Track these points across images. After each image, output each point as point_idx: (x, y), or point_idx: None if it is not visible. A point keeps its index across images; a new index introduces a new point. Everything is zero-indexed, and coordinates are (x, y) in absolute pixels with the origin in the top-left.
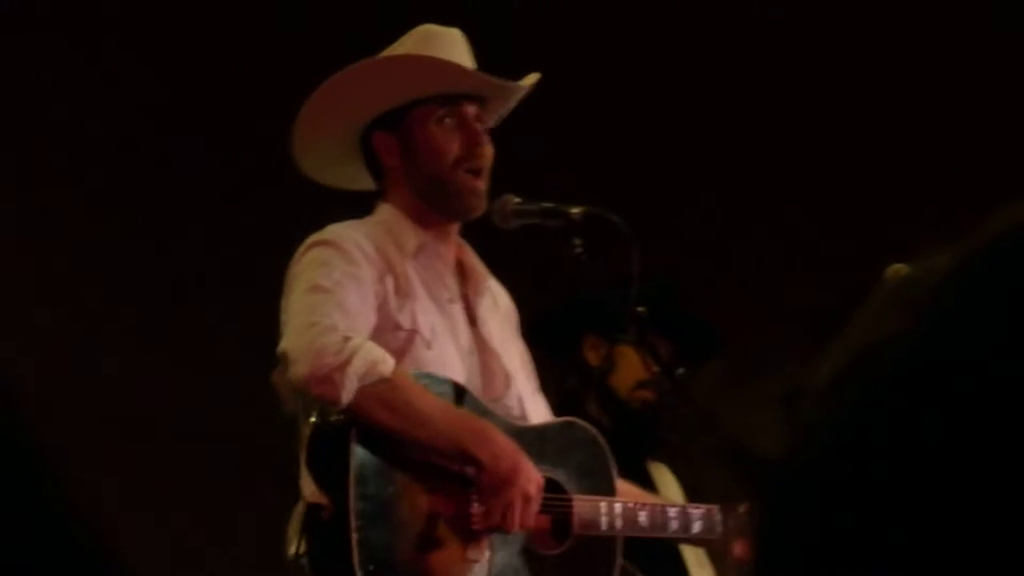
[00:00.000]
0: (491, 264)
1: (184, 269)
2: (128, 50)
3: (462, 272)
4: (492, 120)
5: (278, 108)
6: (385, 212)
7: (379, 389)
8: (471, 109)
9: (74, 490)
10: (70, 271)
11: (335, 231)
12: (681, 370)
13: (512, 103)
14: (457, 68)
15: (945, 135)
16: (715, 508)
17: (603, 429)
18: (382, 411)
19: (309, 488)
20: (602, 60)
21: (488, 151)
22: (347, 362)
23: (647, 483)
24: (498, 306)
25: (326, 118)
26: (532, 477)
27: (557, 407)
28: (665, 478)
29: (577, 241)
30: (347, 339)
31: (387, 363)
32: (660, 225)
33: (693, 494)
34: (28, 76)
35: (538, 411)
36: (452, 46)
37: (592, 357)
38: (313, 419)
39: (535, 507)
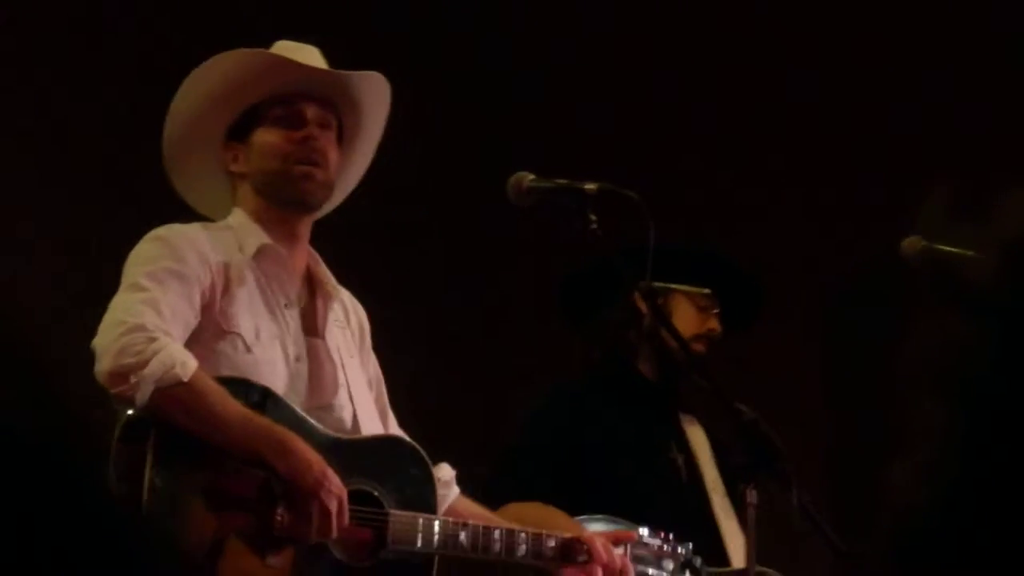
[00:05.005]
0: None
1: None
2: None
3: (311, 282)
4: (363, 121)
5: None
6: (234, 216)
7: (176, 392)
8: (310, 108)
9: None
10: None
11: (171, 227)
12: (719, 332)
13: (377, 104)
14: (270, 57)
15: (960, 110)
16: (544, 534)
17: (646, 383)
18: (179, 414)
19: (112, 479)
20: (615, 34)
21: (319, 144)
22: (144, 363)
23: (680, 435)
24: (349, 321)
25: (191, 149)
26: (333, 490)
27: (606, 359)
28: (696, 432)
29: (592, 217)
30: (152, 339)
31: (187, 366)
32: (673, 200)
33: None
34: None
35: (374, 426)
36: (305, 54)
37: (645, 308)
38: (128, 412)
39: (336, 520)
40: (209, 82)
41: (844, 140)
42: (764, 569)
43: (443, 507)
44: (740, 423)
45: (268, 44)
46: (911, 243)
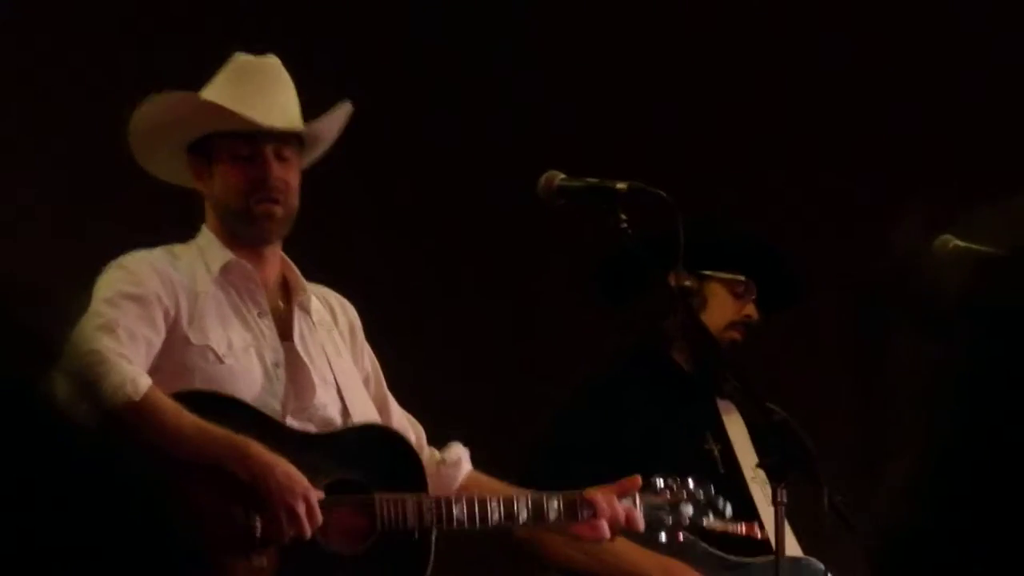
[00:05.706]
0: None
1: None
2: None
3: (286, 288)
4: (318, 144)
5: None
6: (202, 235)
7: (128, 410)
8: (269, 144)
9: None
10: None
11: (131, 254)
12: (756, 318)
13: (333, 123)
14: (225, 112)
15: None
16: (546, 496)
17: (681, 373)
18: (133, 432)
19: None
20: (638, 32)
21: (278, 182)
22: None
23: (716, 425)
24: (337, 321)
25: (150, 140)
26: (298, 490)
27: (640, 348)
28: (734, 420)
29: (623, 216)
30: (104, 362)
31: (137, 384)
32: (697, 197)
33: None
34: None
35: (370, 419)
36: (262, 77)
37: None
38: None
39: (307, 519)
40: (155, 119)
41: (844, 139)
42: (805, 557)
43: (454, 487)
44: (771, 423)
45: (273, 46)
46: (943, 242)
